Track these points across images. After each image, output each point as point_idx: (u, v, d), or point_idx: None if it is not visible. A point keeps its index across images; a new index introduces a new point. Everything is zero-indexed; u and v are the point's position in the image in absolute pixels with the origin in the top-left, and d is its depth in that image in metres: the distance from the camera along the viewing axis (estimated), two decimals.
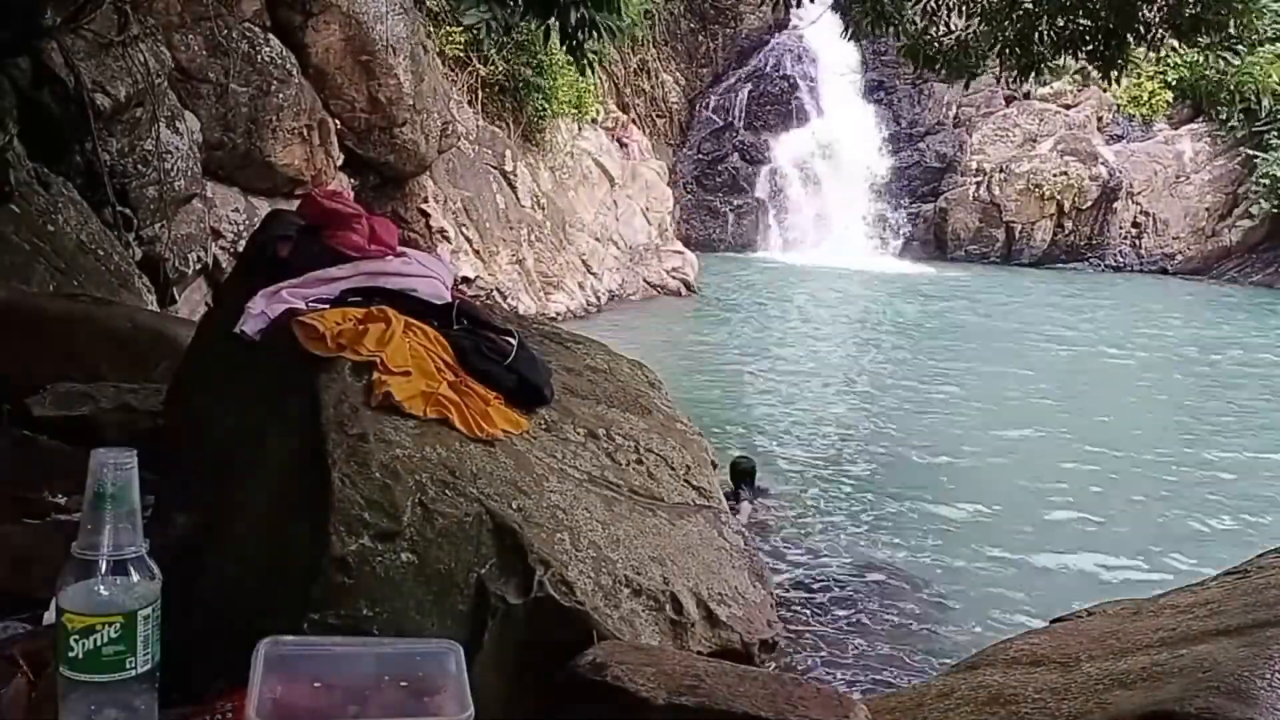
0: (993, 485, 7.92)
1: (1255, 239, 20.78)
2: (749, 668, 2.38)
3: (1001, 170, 21.47)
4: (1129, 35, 7.44)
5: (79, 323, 4.65)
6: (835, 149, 21.50)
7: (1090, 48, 7.61)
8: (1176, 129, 21.68)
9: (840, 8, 9.03)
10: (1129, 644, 2.35)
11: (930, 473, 8.16)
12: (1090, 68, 8.13)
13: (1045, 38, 7.82)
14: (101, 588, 1.19)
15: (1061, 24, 7.67)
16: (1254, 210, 20.39)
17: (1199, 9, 7.19)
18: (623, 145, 17.04)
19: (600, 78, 16.29)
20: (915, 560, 6.39)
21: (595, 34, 5.87)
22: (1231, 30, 7.25)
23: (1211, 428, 9.98)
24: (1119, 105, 21.77)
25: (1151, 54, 9.04)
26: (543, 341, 3.33)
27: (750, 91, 22.17)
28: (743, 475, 7.01)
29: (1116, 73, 7.89)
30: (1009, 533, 6.90)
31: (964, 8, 8.28)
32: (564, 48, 5.98)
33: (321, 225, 3.01)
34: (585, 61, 6.46)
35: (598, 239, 15.41)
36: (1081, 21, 7.52)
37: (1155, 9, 7.36)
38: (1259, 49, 18.36)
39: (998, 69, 9.22)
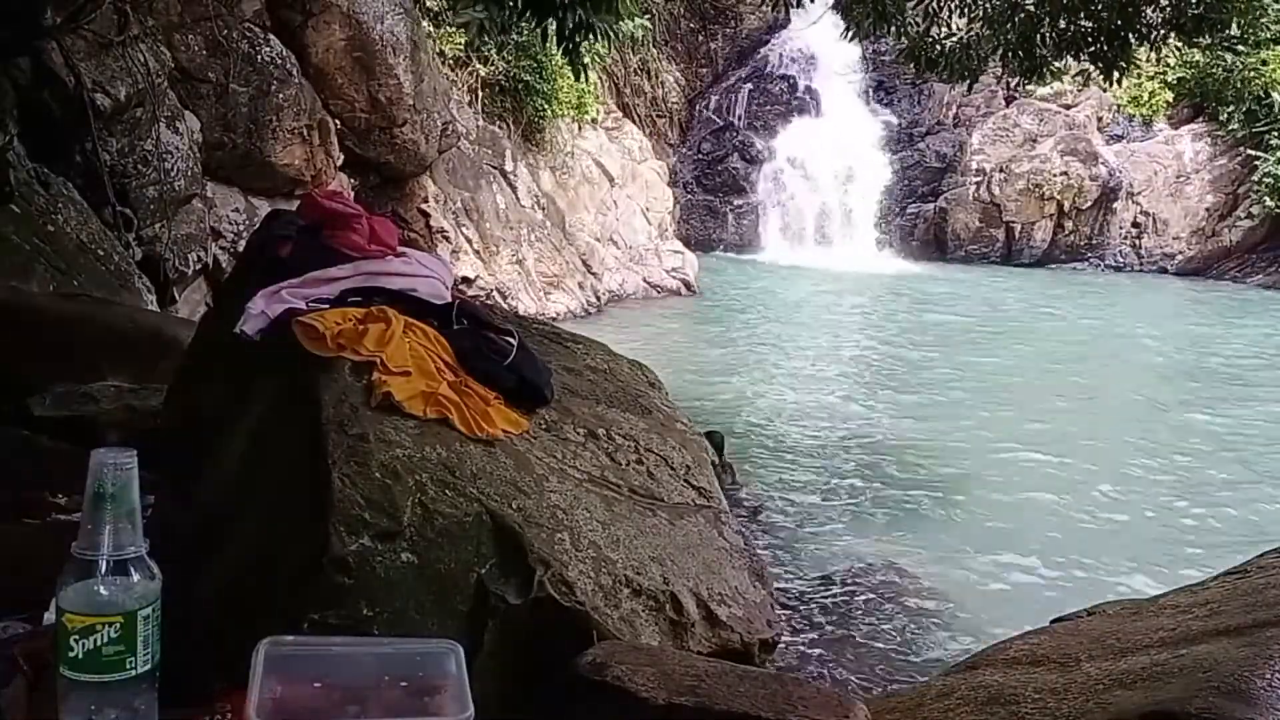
0: (993, 485, 7.91)
1: (1255, 239, 20.77)
2: (749, 668, 2.38)
3: (1001, 170, 21.45)
4: (1131, 36, 7.42)
5: (79, 323, 4.65)
6: (835, 149, 21.49)
7: (1093, 49, 7.58)
8: (1176, 129, 21.66)
9: (841, 8, 9.01)
10: (1129, 644, 2.35)
11: (931, 473, 8.15)
12: (1093, 69, 8.08)
13: (1047, 40, 7.79)
14: (101, 588, 1.19)
15: (1064, 26, 7.64)
16: (1254, 210, 20.37)
17: (1202, 9, 7.18)
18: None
19: (600, 77, 16.28)
20: (915, 560, 6.38)
21: (591, 37, 5.86)
22: (1234, 29, 7.23)
23: (1212, 428, 9.97)
24: (1119, 105, 21.75)
25: (1152, 54, 9.02)
26: (543, 341, 3.33)
27: (750, 91, 22.14)
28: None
29: (1119, 74, 7.87)
30: (1009, 533, 6.90)
31: (965, 10, 8.26)
32: (560, 50, 5.97)
33: (321, 225, 3.01)
34: (581, 65, 6.46)
35: (598, 239, 15.41)
36: (1084, 23, 7.50)
37: (1157, 9, 7.35)
38: (1265, 49, 18.41)
39: (999, 69, 9.21)
